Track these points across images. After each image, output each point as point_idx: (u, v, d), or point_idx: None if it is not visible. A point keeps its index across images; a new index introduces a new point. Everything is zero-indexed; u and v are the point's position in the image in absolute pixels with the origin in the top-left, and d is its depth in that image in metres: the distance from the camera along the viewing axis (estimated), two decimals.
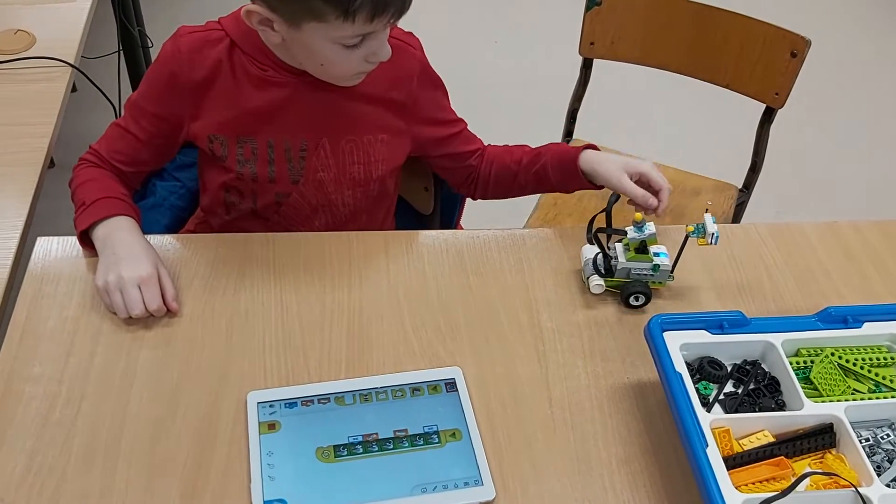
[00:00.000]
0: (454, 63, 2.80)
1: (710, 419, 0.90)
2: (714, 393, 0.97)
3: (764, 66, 1.67)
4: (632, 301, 1.10)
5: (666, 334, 0.95)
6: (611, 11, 1.74)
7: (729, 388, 0.98)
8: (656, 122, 2.72)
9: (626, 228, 1.08)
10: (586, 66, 1.84)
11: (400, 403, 0.97)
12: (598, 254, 1.11)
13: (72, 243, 1.12)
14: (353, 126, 1.17)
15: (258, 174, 1.17)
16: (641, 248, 1.09)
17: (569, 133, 1.95)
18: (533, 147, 1.29)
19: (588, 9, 1.74)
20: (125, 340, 1.02)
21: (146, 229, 1.24)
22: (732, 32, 1.68)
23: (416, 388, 0.99)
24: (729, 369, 0.98)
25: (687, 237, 1.07)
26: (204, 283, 1.09)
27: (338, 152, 1.18)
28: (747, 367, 0.99)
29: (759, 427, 0.92)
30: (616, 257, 1.10)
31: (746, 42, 1.68)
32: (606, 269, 1.10)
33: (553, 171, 1.23)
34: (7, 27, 1.45)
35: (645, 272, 1.09)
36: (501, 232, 1.20)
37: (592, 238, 1.11)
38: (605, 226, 1.12)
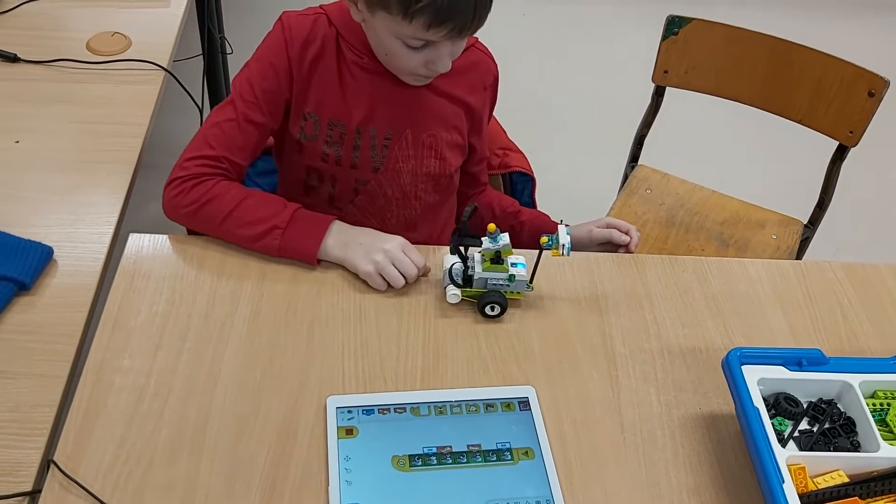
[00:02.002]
0: (518, 80, 2.83)
1: (786, 455, 0.90)
2: (789, 429, 0.97)
3: (840, 103, 1.67)
4: (487, 311, 1.10)
5: (744, 368, 0.96)
6: (687, 41, 1.75)
7: (804, 425, 0.98)
8: (724, 153, 2.71)
9: (482, 238, 1.09)
10: (658, 94, 1.85)
11: (474, 418, 0.99)
12: (454, 263, 1.11)
13: (162, 241, 1.16)
14: (435, 121, 1.23)
15: (342, 157, 1.21)
16: (497, 259, 1.09)
17: (634, 158, 1.96)
18: (518, 206, 1.38)
19: (665, 38, 1.75)
20: (211, 339, 1.05)
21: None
22: (809, 68, 1.68)
23: (489, 405, 1.01)
24: (804, 406, 0.99)
25: (542, 249, 1.08)
26: (287, 287, 1.12)
27: (418, 145, 1.23)
28: (823, 405, 0.99)
29: (833, 467, 0.92)
30: (473, 267, 1.10)
31: (823, 79, 1.68)
32: (465, 278, 1.11)
33: (528, 230, 1.34)
34: (105, 29, 1.51)
35: (501, 282, 1.10)
36: (576, 253, 1.21)
37: (454, 248, 1.11)
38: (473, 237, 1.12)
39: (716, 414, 1.02)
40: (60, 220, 1.16)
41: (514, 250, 1.09)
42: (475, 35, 1.22)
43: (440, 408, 1.00)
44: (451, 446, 0.96)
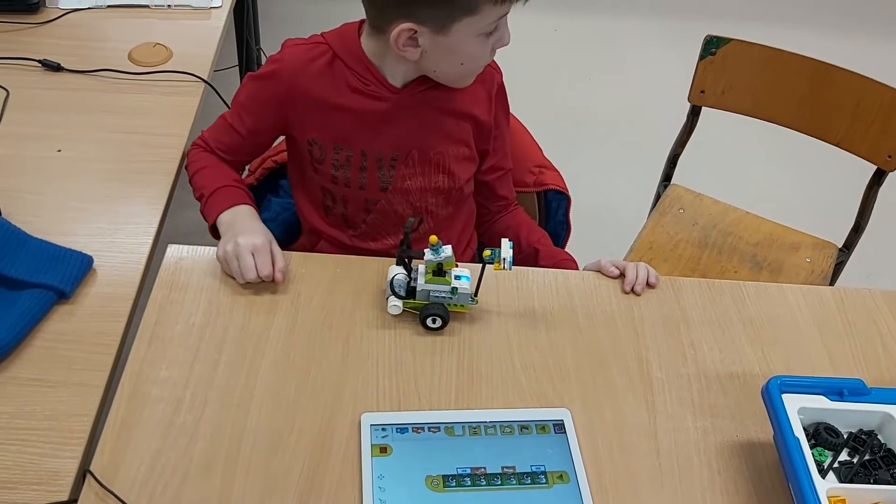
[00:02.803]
0: (550, 96, 2.83)
1: (827, 487, 0.88)
2: (829, 460, 0.95)
3: (879, 127, 1.65)
4: (429, 323, 1.09)
5: (784, 397, 0.95)
6: (724, 61, 1.74)
7: (843, 456, 0.96)
8: (758, 174, 2.69)
9: (425, 250, 1.08)
10: (694, 114, 1.84)
11: (508, 440, 0.99)
12: (396, 274, 1.10)
13: (201, 253, 1.17)
14: (442, 140, 1.23)
15: (351, 179, 1.23)
16: (439, 271, 1.08)
17: (667, 177, 1.95)
18: (542, 242, 1.35)
19: (702, 57, 1.74)
20: (247, 352, 1.05)
21: None
22: (849, 91, 1.67)
23: (524, 427, 1.00)
24: (845, 437, 0.97)
25: (484, 262, 1.07)
26: (323, 302, 1.12)
27: (425, 163, 1.23)
28: (863, 436, 0.97)
29: (874, 499, 0.90)
30: (416, 279, 1.09)
31: (863, 102, 1.66)
32: (409, 290, 1.10)
33: (544, 262, 1.31)
34: (147, 40, 1.52)
35: (444, 295, 1.09)
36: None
37: (399, 259, 1.11)
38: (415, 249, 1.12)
39: (753, 442, 1.01)
40: (101, 229, 1.17)
41: (458, 264, 1.09)
42: None
43: (475, 428, 0.99)
44: (485, 468, 0.95)
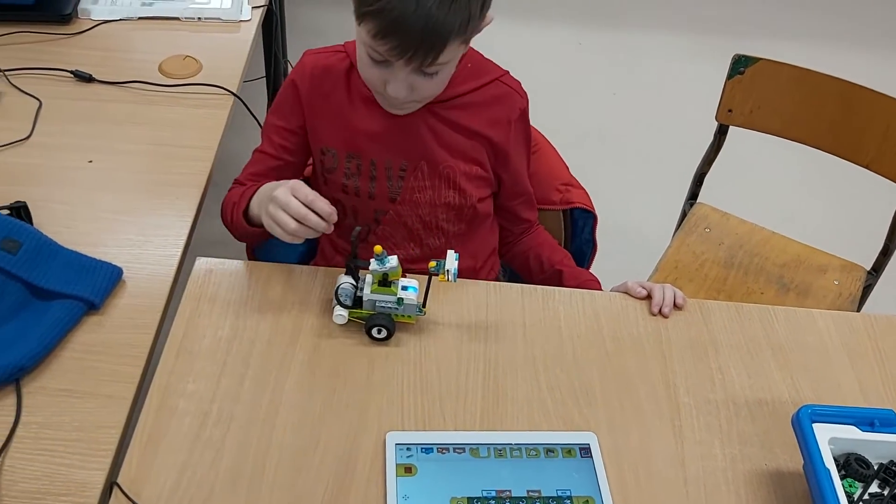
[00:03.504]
0: (573, 111, 2.83)
1: None
2: (859, 492, 0.94)
3: None
4: (374, 333, 1.09)
5: (815, 426, 0.94)
6: (753, 81, 1.73)
7: (874, 488, 0.95)
8: (786, 194, 2.67)
9: (370, 260, 1.06)
10: (721, 132, 1.83)
11: (534, 463, 0.98)
12: (343, 283, 1.09)
13: (228, 266, 1.17)
14: (452, 155, 1.22)
15: (360, 188, 1.23)
16: (384, 282, 1.08)
17: (693, 196, 1.94)
18: (565, 263, 1.34)
19: (730, 76, 1.73)
20: (273, 367, 1.05)
21: (282, 258, 1.30)
22: (878, 113, 1.65)
23: (550, 450, 0.99)
24: (875, 469, 0.96)
25: (430, 274, 1.06)
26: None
27: (434, 176, 1.23)
28: (894, 468, 0.96)
29: None
30: (363, 288, 1.09)
31: (893, 124, 1.64)
32: (356, 300, 1.09)
33: (568, 283, 1.29)
34: (177, 52, 1.54)
35: (390, 305, 1.08)
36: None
37: (348, 268, 1.10)
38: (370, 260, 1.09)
39: (782, 471, 0.99)
40: (130, 240, 1.18)
41: (408, 275, 1.09)
42: (503, 68, 1.24)
43: (500, 450, 0.99)
44: (510, 491, 0.95)
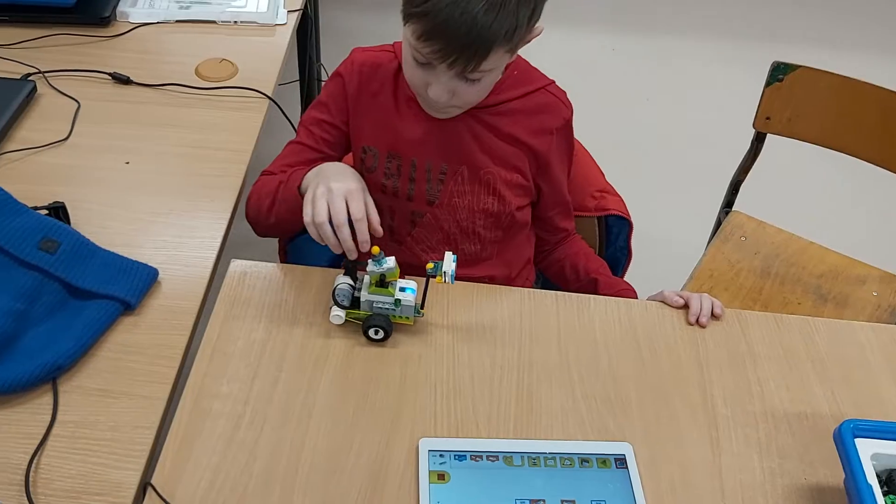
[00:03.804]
0: (607, 117, 2.81)
1: None
2: None
3: None
4: (371, 334, 1.08)
5: (857, 441, 0.91)
6: (792, 88, 1.70)
7: None
8: (823, 203, 2.63)
9: (368, 261, 1.05)
10: (759, 140, 1.80)
11: (568, 472, 0.97)
12: (341, 283, 1.08)
13: (262, 268, 1.17)
14: (493, 160, 1.21)
15: (399, 189, 1.22)
16: (381, 282, 1.06)
17: (729, 204, 1.92)
18: (601, 272, 1.33)
19: (769, 83, 1.71)
20: (307, 369, 1.05)
21: (314, 260, 1.30)
22: None
23: (584, 459, 0.98)
24: None
25: (428, 276, 1.05)
26: None
27: (474, 181, 1.22)
28: None
29: None
30: (360, 289, 1.07)
31: None
32: (353, 300, 1.07)
33: (603, 292, 1.28)
34: (213, 55, 1.55)
35: (387, 306, 1.07)
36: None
37: (346, 268, 1.08)
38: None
39: (822, 486, 0.97)
40: (165, 242, 1.19)
41: (406, 276, 1.08)
42: (549, 77, 1.23)
43: (534, 459, 0.98)
44: (544, 500, 0.94)
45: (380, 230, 1.07)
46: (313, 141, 1.24)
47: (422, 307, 1.10)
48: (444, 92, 1.06)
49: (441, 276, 1.04)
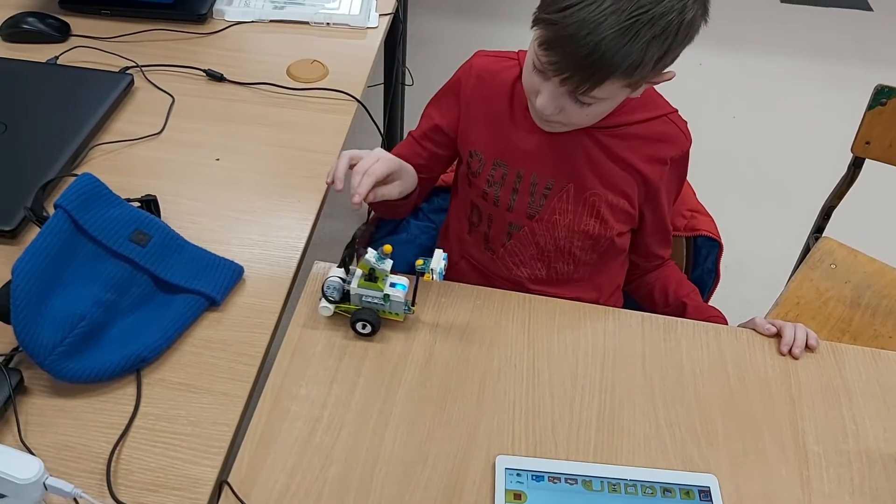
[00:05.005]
0: (693, 134, 2.74)
1: None
2: None
3: None
4: (358, 328, 1.07)
5: None
6: (895, 113, 1.63)
7: None
8: None
9: (368, 248, 1.04)
10: (856, 165, 1.73)
11: (649, 501, 0.93)
12: (332, 276, 1.05)
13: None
14: (602, 182, 1.18)
15: (500, 198, 1.20)
16: (370, 276, 1.04)
17: (819, 229, 1.85)
18: (691, 297, 1.29)
19: (871, 107, 1.64)
20: (385, 377, 1.04)
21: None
22: None
23: (667, 489, 0.95)
24: None
25: (417, 272, 1.04)
26: (461, 333, 1.10)
27: (579, 201, 1.19)
28: None
29: None
30: (350, 282, 1.04)
31: None
32: (345, 293, 1.05)
33: (691, 317, 1.23)
34: (305, 56, 1.56)
35: (376, 301, 1.05)
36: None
37: (341, 262, 1.06)
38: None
39: None
40: (252, 240, 1.20)
41: (398, 273, 1.07)
42: (672, 105, 1.19)
43: (614, 485, 0.95)
44: None
45: (357, 198, 1.06)
46: (421, 136, 1.27)
47: (413, 304, 1.08)
48: (550, 103, 1.04)
49: (429, 273, 1.04)
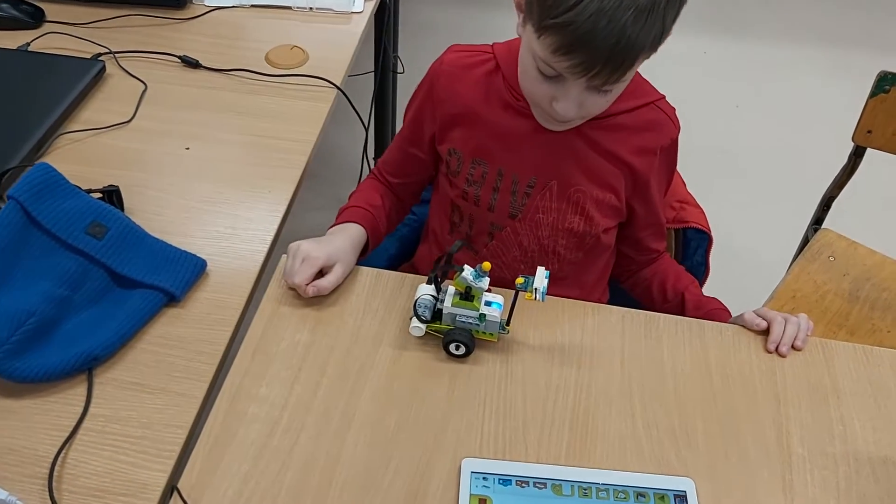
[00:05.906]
0: (694, 123, 2.69)
1: None
2: None
3: None
4: (452, 349, 1.01)
5: None
6: None
7: None
8: None
9: (464, 266, 0.99)
10: (857, 155, 1.67)
11: None
12: (423, 294, 1.00)
13: None
14: (587, 177, 1.13)
15: (481, 198, 1.16)
16: (466, 295, 0.98)
17: (818, 221, 1.79)
18: (690, 290, 1.23)
19: (873, 94, 1.58)
20: (350, 377, 1.00)
21: (369, 261, 1.25)
22: None
23: (641, 493, 0.90)
24: None
25: (517, 290, 0.98)
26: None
27: (562, 198, 1.14)
28: None
29: None
30: (443, 300, 0.99)
31: None
32: (436, 312, 1.00)
33: (691, 312, 1.19)
34: (285, 42, 1.51)
35: (471, 321, 0.99)
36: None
37: (430, 278, 1.01)
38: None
39: None
40: (218, 232, 1.15)
41: (492, 289, 1.02)
42: (660, 92, 1.14)
43: (585, 489, 0.90)
44: None
45: (308, 291, 1.06)
46: (402, 138, 1.25)
47: (507, 323, 1.03)
48: (573, 106, 0.99)
49: (532, 292, 0.97)
